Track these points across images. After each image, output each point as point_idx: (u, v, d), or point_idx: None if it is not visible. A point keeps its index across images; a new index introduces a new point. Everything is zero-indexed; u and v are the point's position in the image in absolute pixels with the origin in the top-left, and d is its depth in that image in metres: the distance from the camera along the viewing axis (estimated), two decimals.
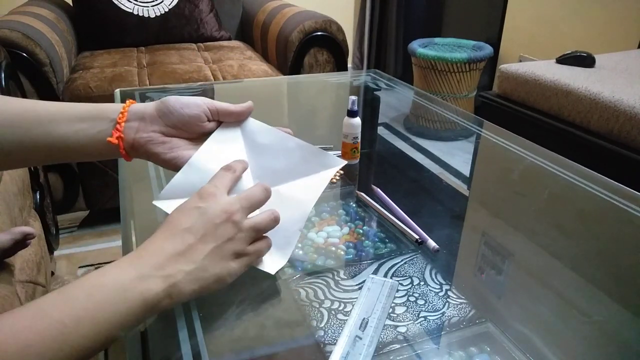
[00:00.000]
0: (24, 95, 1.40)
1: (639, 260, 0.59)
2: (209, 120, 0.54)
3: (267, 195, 0.48)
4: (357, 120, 0.77)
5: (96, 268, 0.40)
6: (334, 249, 0.59)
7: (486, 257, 0.59)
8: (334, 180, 0.76)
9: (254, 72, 1.72)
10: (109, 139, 0.50)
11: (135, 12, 1.99)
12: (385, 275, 0.54)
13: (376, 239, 0.61)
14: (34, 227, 1.09)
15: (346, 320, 0.47)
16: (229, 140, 0.54)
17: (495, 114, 1.55)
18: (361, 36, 3.15)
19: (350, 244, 0.60)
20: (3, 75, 1.21)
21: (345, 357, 0.42)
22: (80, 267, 1.44)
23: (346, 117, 0.77)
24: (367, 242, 0.60)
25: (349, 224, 0.64)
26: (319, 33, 1.75)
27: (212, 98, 0.55)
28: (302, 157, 0.54)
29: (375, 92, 1.23)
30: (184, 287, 0.41)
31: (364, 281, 0.52)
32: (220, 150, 0.53)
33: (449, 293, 0.51)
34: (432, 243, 0.58)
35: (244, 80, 1.65)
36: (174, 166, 0.52)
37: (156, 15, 2.02)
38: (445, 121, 1.07)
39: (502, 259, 0.59)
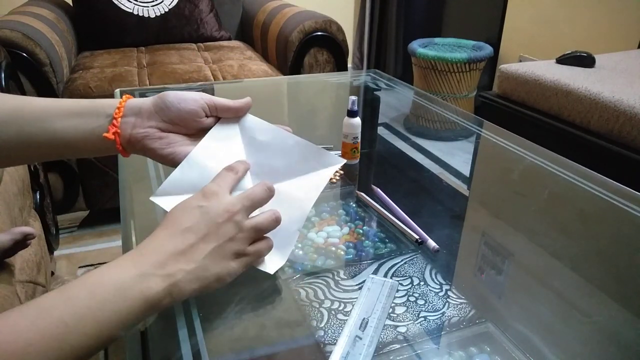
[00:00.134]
0: (23, 95, 1.40)
1: (639, 260, 0.59)
2: (206, 116, 0.53)
3: (269, 195, 0.48)
4: (357, 120, 0.77)
5: (96, 268, 0.39)
6: (334, 249, 0.59)
7: (486, 257, 0.59)
8: (334, 180, 0.76)
9: (254, 72, 1.72)
10: (105, 134, 0.50)
11: (135, 12, 1.99)
12: (385, 275, 0.54)
13: (376, 239, 0.61)
14: (34, 227, 1.09)
15: (346, 320, 0.47)
16: (227, 136, 0.54)
17: (495, 114, 1.55)
18: (361, 36, 3.15)
19: (350, 244, 0.59)
20: (3, 75, 1.21)
21: (345, 357, 0.42)
22: (80, 267, 1.44)
23: (346, 117, 0.77)
24: (367, 242, 0.60)
25: (349, 224, 0.64)
26: (319, 33, 1.75)
27: None
28: (301, 155, 0.53)
29: (375, 92, 1.23)
30: (184, 286, 0.41)
31: (364, 281, 0.52)
32: (218, 146, 0.53)
33: (449, 293, 0.51)
34: (432, 243, 0.58)
35: (244, 80, 1.65)
36: (171, 162, 0.52)
37: (156, 15, 2.02)
38: (445, 121, 1.07)
39: (502, 259, 0.59)
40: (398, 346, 0.44)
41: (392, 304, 0.49)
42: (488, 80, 2.65)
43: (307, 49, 1.75)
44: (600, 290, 0.54)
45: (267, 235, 0.48)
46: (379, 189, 0.71)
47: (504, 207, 0.72)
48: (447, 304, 0.50)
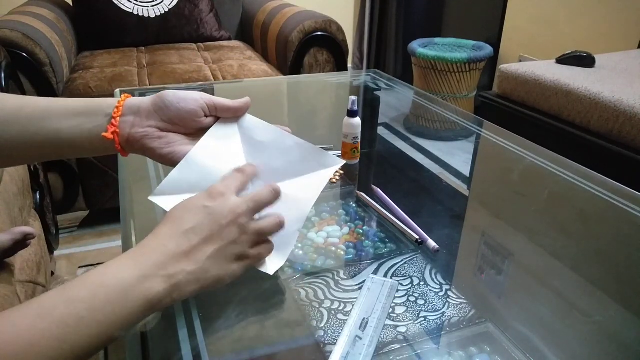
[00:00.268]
0: (24, 95, 1.40)
1: (639, 260, 0.59)
2: (206, 116, 0.53)
3: (275, 197, 0.48)
4: (357, 120, 0.77)
5: (97, 267, 0.39)
6: (334, 249, 0.59)
7: (486, 257, 0.59)
8: (334, 180, 0.76)
9: (254, 72, 1.72)
10: (104, 134, 0.49)
11: (135, 12, 1.99)
12: (385, 275, 0.54)
13: (376, 239, 0.61)
14: (34, 227, 1.09)
15: (346, 320, 0.47)
16: (226, 136, 0.54)
17: (495, 114, 1.55)
18: (361, 36, 3.15)
19: (350, 244, 0.59)
20: (3, 75, 1.21)
21: (345, 357, 0.42)
22: (80, 267, 1.44)
23: (346, 117, 0.77)
24: (367, 242, 0.60)
25: (349, 224, 0.64)
26: (319, 33, 1.75)
27: None
28: (301, 156, 0.53)
29: (375, 92, 1.23)
30: (184, 287, 0.41)
31: (364, 281, 0.52)
32: (217, 146, 0.52)
33: (449, 293, 0.51)
34: (432, 243, 0.58)
35: (244, 80, 1.65)
36: (170, 161, 0.51)
37: (156, 15, 2.02)
38: (445, 121, 1.07)
39: (502, 259, 0.59)
40: (398, 346, 0.44)
41: (392, 304, 0.49)
42: (488, 80, 2.65)
43: (307, 49, 1.75)
44: (600, 290, 0.54)
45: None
46: (379, 189, 0.71)
47: (504, 207, 0.72)
48: (447, 304, 0.50)
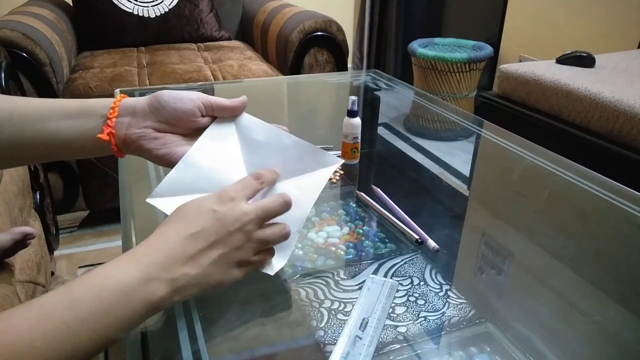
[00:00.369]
0: (23, 95, 1.40)
1: (639, 260, 0.59)
2: (202, 116, 0.52)
3: (285, 209, 0.47)
4: (357, 120, 0.77)
5: (99, 266, 0.39)
6: (334, 249, 0.59)
7: (486, 257, 0.59)
8: (334, 180, 0.76)
9: (254, 72, 1.72)
10: (99, 135, 0.49)
11: (135, 12, 1.99)
12: (385, 275, 0.54)
13: (376, 239, 0.61)
14: (34, 227, 1.09)
15: (346, 320, 0.47)
16: (224, 136, 0.53)
17: (495, 114, 1.55)
18: (361, 36, 3.15)
19: (350, 244, 0.59)
20: (3, 75, 1.21)
21: (345, 357, 0.42)
22: (80, 267, 1.44)
23: (346, 117, 0.77)
24: (367, 242, 0.60)
25: (349, 224, 0.64)
26: (319, 33, 1.75)
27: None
28: (299, 155, 0.53)
29: (375, 92, 1.23)
30: (185, 291, 0.41)
31: (364, 281, 0.52)
32: (214, 146, 0.52)
33: (449, 293, 0.51)
34: (432, 243, 0.58)
35: (244, 80, 1.65)
36: (167, 162, 0.51)
37: (156, 15, 2.02)
38: (445, 121, 1.07)
39: (502, 259, 0.59)
40: (398, 346, 0.44)
41: (392, 304, 0.49)
42: (488, 80, 2.65)
43: (307, 49, 1.75)
44: (600, 290, 0.54)
45: None
46: (379, 189, 0.71)
47: (504, 207, 0.72)
48: (447, 304, 0.50)
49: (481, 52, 2.35)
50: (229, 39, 2.21)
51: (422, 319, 0.47)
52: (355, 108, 0.76)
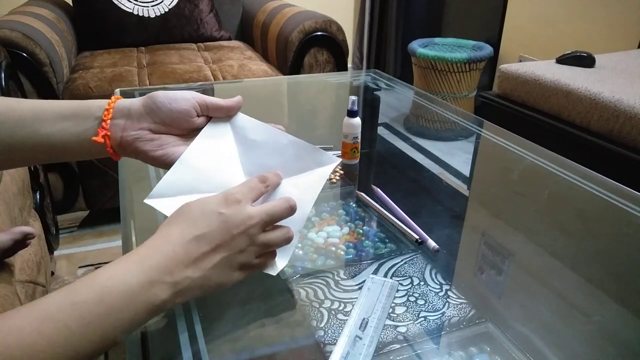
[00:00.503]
0: (24, 95, 1.40)
1: (639, 260, 0.59)
2: (198, 116, 0.52)
3: (290, 213, 0.47)
4: (357, 120, 0.77)
5: (96, 268, 0.39)
6: (334, 249, 0.59)
7: (486, 257, 0.59)
8: (334, 180, 0.76)
9: (254, 72, 1.72)
10: (94, 138, 0.48)
11: (135, 12, 1.99)
12: (385, 275, 0.54)
13: (376, 239, 0.61)
14: (34, 227, 1.09)
15: (346, 320, 0.47)
16: (220, 136, 0.53)
17: (495, 114, 1.55)
18: (361, 36, 3.15)
19: (350, 244, 0.59)
20: (3, 75, 1.21)
21: (345, 357, 0.42)
22: (80, 267, 1.44)
23: (346, 117, 0.77)
24: (367, 242, 0.60)
25: (349, 224, 0.64)
26: (319, 33, 1.75)
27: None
28: (296, 154, 0.53)
29: (375, 92, 1.23)
30: (187, 293, 0.41)
31: (364, 281, 0.52)
32: (211, 146, 0.52)
33: (449, 293, 0.51)
34: (432, 243, 0.58)
35: (244, 80, 1.65)
36: (163, 163, 0.51)
37: (156, 15, 2.02)
38: (445, 121, 1.07)
39: (502, 259, 0.59)
40: (398, 346, 0.44)
41: (392, 304, 0.49)
42: (488, 80, 2.65)
43: (307, 49, 1.75)
44: (600, 290, 0.54)
45: None
46: (379, 189, 0.71)
47: (504, 207, 0.72)
48: (447, 304, 0.50)
49: (481, 52, 2.35)
50: (229, 39, 2.21)
51: (422, 319, 0.47)
52: (355, 108, 0.76)
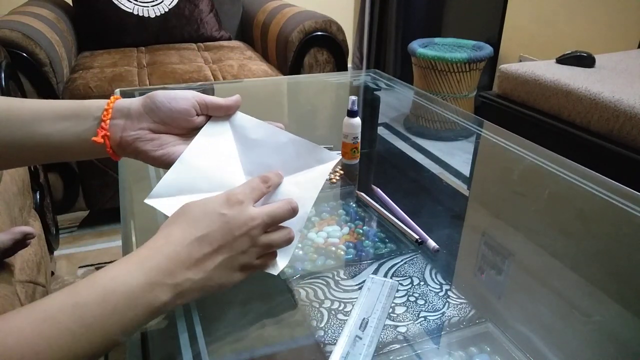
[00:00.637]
0: (24, 95, 1.40)
1: (639, 260, 0.59)
2: (197, 115, 0.52)
3: (292, 215, 0.47)
4: (357, 120, 0.77)
5: (96, 268, 0.39)
6: (334, 249, 0.59)
7: (486, 257, 0.59)
8: (334, 180, 0.76)
9: (254, 72, 1.72)
10: (94, 138, 0.48)
11: (135, 12, 1.99)
12: (385, 275, 0.54)
13: (376, 239, 0.61)
14: (34, 227, 1.09)
15: (346, 320, 0.47)
16: (219, 135, 0.53)
17: (495, 114, 1.55)
18: (361, 36, 3.15)
19: (350, 244, 0.59)
20: (3, 75, 1.21)
21: (345, 357, 0.42)
22: (80, 267, 1.44)
23: (346, 117, 0.77)
24: (367, 242, 0.60)
25: (349, 224, 0.64)
26: (319, 33, 1.75)
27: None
28: (296, 152, 0.53)
29: (375, 92, 1.23)
30: (188, 295, 0.41)
31: (364, 281, 0.52)
32: (210, 145, 0.52)
33: (449, 293, 0.51)
34: (432, 243, 0.58)
35: (244, 80, 1.65)
36: (164, 163, 0.51)
37: (156, 15, 2.02)
38: (445, 121, 1.07)
39: (502, 259, 0.59)
40: (398, 346, 0.44)
41: (392, 304, 0.49)
42: (488, 80, 2.65)
43: (307, 49, 1.75)
44: (600, 290, 0.54)
45: None
46: (379, 189, 0.71)
47: (504, 207, 0.72)
48: (447, 304, 0.50)
49: (481, 52, 2.35)
50: (229, 39, 2.21)
51: (422, 319, 0.47)
52: (355, 108, 0.76)
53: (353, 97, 0.76)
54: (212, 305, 0.48)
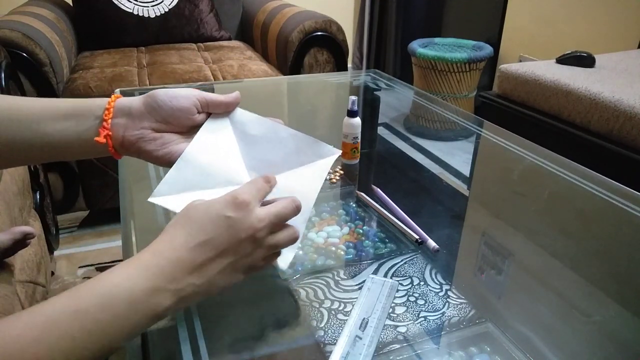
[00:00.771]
0: (23, 95, 1.40)
1: (639, 260, 0.59)
2: (199, 113, 0.52)
3: (296, 213, 0.46)
4: (357, 120, 0.77)
5: (96, 268, 0.39)
6: (334, 249, 0.59)
7: (486, 257, 0.59)
8: (334, 180, 0.76)
9: (254, 72, 1.72)
10: (96, 138, 0.48)
11: (135, 12, 1.99)
12: (385, 275, 0.54)
13: (376, 239, 0.61)
14: (34, 227, 1.09)
15: (346, 320, 0.47)
16: (220, 131, 0.53)
17: (495, 114, 1.55)
18: (361, 36, 3.15)
19: (350, 244, 0.59)
20: (3, 75, 1.21)
21: (345, 357, 0.42)
22: (80, 267, 1.44)
23: (346, 117, 0.77)
24: (367, 242, 0.60)
25: (349, 224, 0.64)
26: (319, 33, 1.75)
27: None
28: (296, 147, 0.53)
29: (375, 92, 1.23)
30: (189, 299, 0.40)
31: (364, 281, 0.52)
32: (212, 142, 0.52)
33: (449, 293, 0.51)
34: (432, 243, 0.58)
35: (244, 80, 1.65)
36: (166, 162, 0.50)
37: (156, 15, 2.02)
38: (445, 121, 1.07)
39: (502, 259, 0.59)
40: (398, 346, 0.44)
41: (392, 304, 0.49)
42: (488, 80, 2.65)
43: (307, 49, 1.75)
44: (600, 290, 0.54)
45: None
46: (379, 189, 0.71)
47: (504, 207, 0.72)
48: (447, 304, 0.50)
49: (481, 52, 2.35)
50: (229, 39, 2.21)
51: (422, 319, 0.47)
52: (355, 108, 0.76)
53: (353, 97, 0.76)
54: (212, 306, 0.48)
